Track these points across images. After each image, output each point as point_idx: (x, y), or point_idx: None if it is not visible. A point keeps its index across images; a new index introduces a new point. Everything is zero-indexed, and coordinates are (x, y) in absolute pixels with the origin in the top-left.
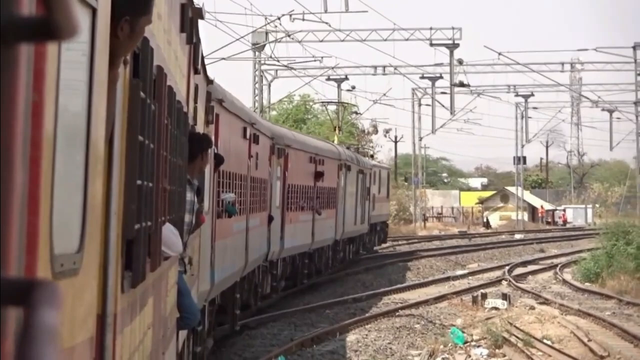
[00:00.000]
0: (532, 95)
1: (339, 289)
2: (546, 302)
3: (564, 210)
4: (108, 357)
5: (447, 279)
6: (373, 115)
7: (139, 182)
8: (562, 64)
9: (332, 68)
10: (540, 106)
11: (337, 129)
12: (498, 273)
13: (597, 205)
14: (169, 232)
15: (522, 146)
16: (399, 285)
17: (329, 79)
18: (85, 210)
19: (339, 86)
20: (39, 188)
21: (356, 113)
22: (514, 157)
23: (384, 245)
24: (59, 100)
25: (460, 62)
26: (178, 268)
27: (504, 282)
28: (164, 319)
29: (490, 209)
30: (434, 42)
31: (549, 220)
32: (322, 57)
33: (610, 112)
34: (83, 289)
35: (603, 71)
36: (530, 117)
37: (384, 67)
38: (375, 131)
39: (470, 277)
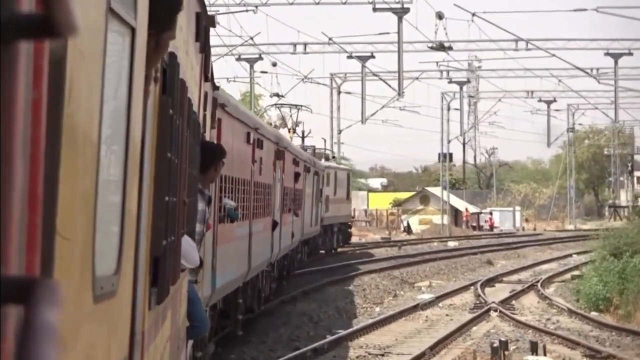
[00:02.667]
0: (468, 82)
1: (283, 331)
2: (574, 345)
3: (491, 213)
4: None
5: (415, 307)
6: (296, 99)
7: (166, 198)
8: (513, 41)
9: (241, 45)
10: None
11: (291, 130)
12: (469, 296)
13: (521, 208)
14: (187, 245)
15: (449, 142)
16: (363, 324)
17: (239, 58)
18: (123, 230)
19: (251, 67)
20: (37, 185)
21: (278, 95)
22: (439, 154)
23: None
24: (104, 115)
25: (440, 16)
26: (189, 277)
27: (493, 313)
28: (178, 331)
29: (409, 212)
30: (377, 6)
31: (474, 224)
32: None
33: (548, 103)
34: (120, 310)
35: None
36: (456, 109)
37: (305, 44)
38: (284, 124)
39: (440, 304)
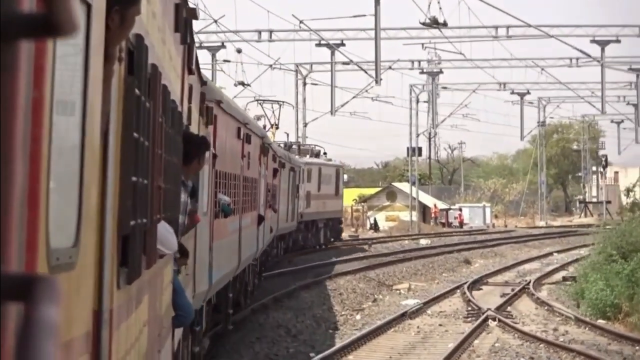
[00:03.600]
0: (441, 72)
1: (258, 348)
2: None
3: (460, 209)
4: (104, 353)
5: (403, 316)
6: (262, 89)
7: (134, 178)
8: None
9: (204, 29)
10: (450, 87)
11: (273, 126)
12: (457, 302)
13: (491, 204)
14: (164, 230)
15: (418, 136)
16: (349, 340)
17: (200, 46)
18: (81, 205)
19: (213, 56)
20: (39, 183)
21: (243, 84)
22: (408, 148)
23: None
24: (55, 96)
25: None
26: (173, 267)
27: (492, 322)
28: (160, 318)
29: (375, 209)
30: None
31: (443, 221)
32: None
33: (522, 95)
34: (79, 284)
35: None
36: (425, 102)
37: (271, 31)
38: (257, 118)
39: (428, 311)
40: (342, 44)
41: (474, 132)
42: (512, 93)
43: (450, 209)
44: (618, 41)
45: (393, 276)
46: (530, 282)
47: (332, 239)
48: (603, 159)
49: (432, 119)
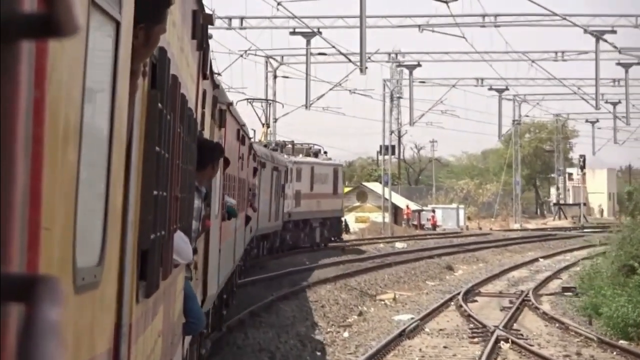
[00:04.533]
0: (419, 65)
1: None
2: None
3: (433, 211)
4: None
5: (400, 336)
6: (232, 80)
7: (155, 192)
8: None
9: None
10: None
11: (265, 125)
12: (455, 316)
13: (465, 206)
14: (180, 240)
15: (391, 133)
16: None
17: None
18: (107, 222)
19: None
20: (40, 182)
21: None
22: (381, 146)
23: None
24: (85, 108)
25: None
26: (185, 274)
27: (504, 344)
28: (172, 326)
29: (345, 209)
30: None
31: (415, 222)
32: None
33: (500, 91)
34: (103, 302)
35: None
36: (399, 97)
37: (242, 18)
38: None
39: (426, 329)
40: (319, 32)
41: (449, 129)
42: (490, 89)
43: (422, 210)
44: (614, 32)
45: (375, 284)
46: (527, 293)
47: (333, 238)
48: (581, 160)
49: (410, 115)
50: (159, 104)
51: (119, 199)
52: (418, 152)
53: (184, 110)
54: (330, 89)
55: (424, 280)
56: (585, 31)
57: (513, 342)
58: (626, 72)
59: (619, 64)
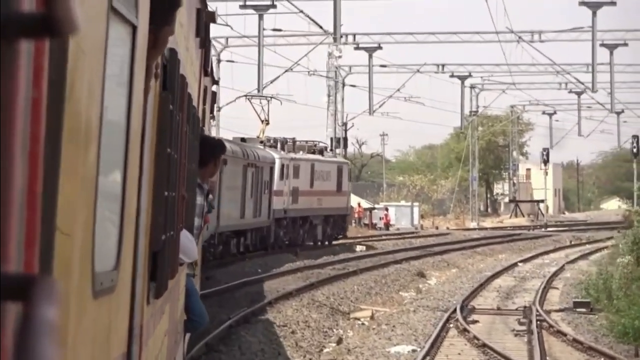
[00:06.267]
0: (379, 48)
1: None
2: None
3: (386, 209)
4: None
5: None
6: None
7: (165, 193)
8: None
9: None
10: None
11: (264, 122)
12: (465, 349)
13: (419, 203)
14: (185, 239)
15: (344, 124)
16: None
17: None
18: (122, 226)
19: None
20: (37, 183)
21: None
22: (332, 139)
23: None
24: (104, 112)
25: None
26: (187, 271)
27: None
28: (176, 324)
29: None
30: None
31: (367, 222)
32: None
33: (462, 78)
34: (119, 305)
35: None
36: (353, 86)
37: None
38: None
39: None
40: (273, 5)
41: (408, 121)
42: (452, 76)
43: (374, 208)
44: (613, 3)
45: (345, 298)
46: (533, 310)
47: (337, 236)
48: (544, 153)
49: (370, 103)
50: (170, 106)
51: (134, 202)
52: (360, 148)
53: (190, 110)
54: (286, 71)
55: (397, 290)
56: (581, 3)
57: None
58: (611, 53)
59: (603, 45)
